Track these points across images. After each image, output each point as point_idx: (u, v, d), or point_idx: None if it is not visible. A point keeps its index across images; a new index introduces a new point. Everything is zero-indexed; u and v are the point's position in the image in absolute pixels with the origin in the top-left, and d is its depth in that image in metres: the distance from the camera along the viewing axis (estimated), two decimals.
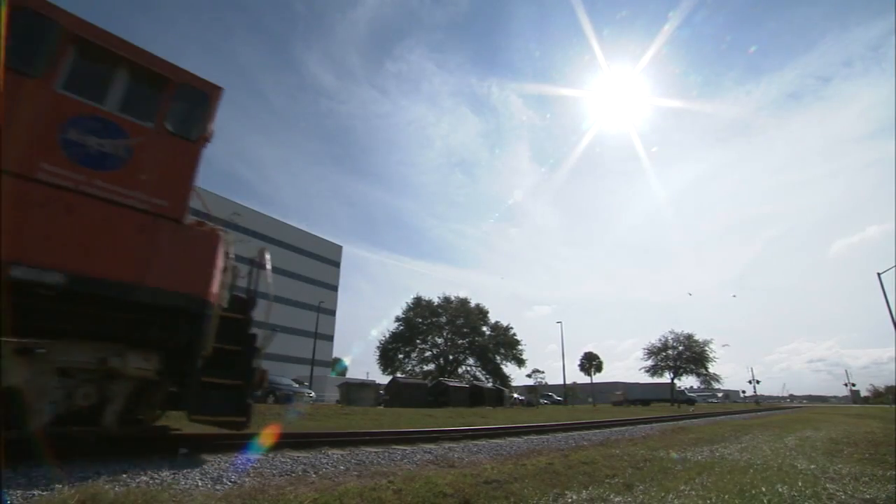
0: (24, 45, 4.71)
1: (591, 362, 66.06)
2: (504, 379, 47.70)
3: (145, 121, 5.37)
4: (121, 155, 5.13)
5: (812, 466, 5.87)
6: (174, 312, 5.05)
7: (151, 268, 4.98)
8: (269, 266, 6.53)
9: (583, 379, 70.64)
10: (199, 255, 5.41)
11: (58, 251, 4.48)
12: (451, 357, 48.34)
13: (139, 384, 5.05)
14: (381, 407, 23.44)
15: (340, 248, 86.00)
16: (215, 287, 5.44)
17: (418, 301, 49.76)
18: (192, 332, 5.14)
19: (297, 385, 26.83)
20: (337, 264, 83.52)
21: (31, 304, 4.42)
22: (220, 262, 5.59)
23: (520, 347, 50.62)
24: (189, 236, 5.39)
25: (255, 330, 6.02)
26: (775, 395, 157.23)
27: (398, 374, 41.53)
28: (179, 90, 5.76)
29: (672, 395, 58.27)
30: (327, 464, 5.01)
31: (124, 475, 3.80)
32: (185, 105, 5.79)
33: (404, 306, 49.63)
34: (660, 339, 62.63)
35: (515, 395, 43.39)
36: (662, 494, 4.04)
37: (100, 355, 4.79)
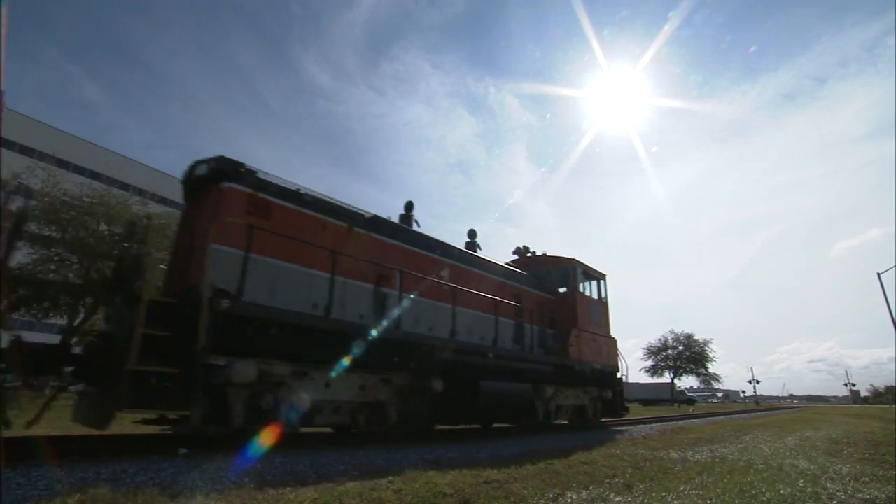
0: (585, 280, 12.69)
1: None
2: None
3: (598, 297, 13.05)
4: (597, 315, 12.66)
5: (812, 466, 5.87)
6: (610, 375, 12.68)
7: (610, 359, 12.70)
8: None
9: None
10: (614, 350, 13.09)
11: (596, 357, 11.87)
12: None
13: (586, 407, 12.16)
14: None
15: None
16: (619, 362, 13.18)
17: None
18: (615, 382, 12.91)
19: None
20: None
21: (583, 376, 11.39)
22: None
23: None
24: (611, 343, 13.07)
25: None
26: (775, 395, 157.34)
27: None
28: (600, 279, 13.19)
29: (672, 395, 58.21)
30: (327, 464, 5.01)
31: (124, 475, 3.79)
32: (603, 285, 13.34)
33: None
34: (660, 339, 62.55)
35: None
36: (662, 494, 4.04)
37: (595, 394, 12.35)
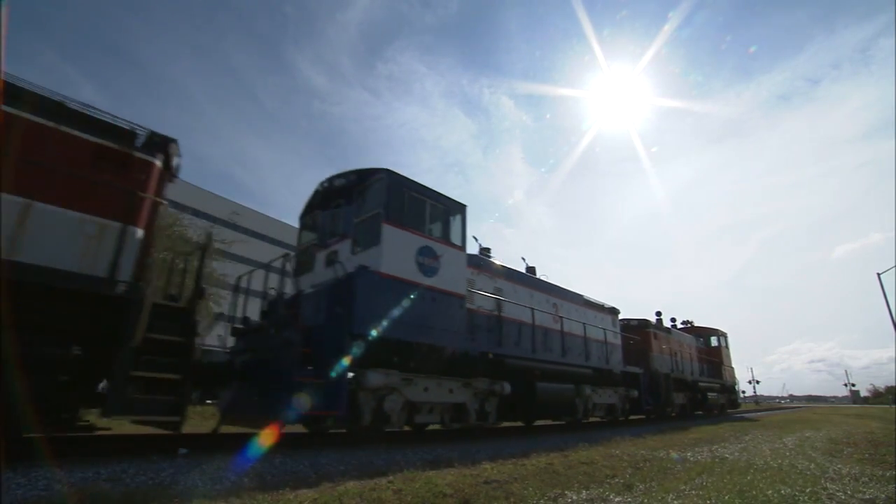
0: (721, 337, 26.09)
1: None
2: None
3: (726, 346, 25.97)
4: (728, 356, 25.74)
5: (812, 466, 5.87)
6: (734, 387, 26.68)
7: (733, 378, 26.83)
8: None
9: None
10: (734, 373, 26.99)
11: (728, 377, 25.50)
12: None
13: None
14: None
15: None
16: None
17: None
18: (735, 390, 27.42)
19: None
20: None
21: (727, 388, 25.67)
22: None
23: None
24: (733, 369, 27.04)
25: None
26: (775, 395, 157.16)
27: None
28: (727, 335, 26.09)
29: None
30: (326, 463, 5.00)
31: (124, 475, 3.79)
32: (728, 339, 26.15)
33: None
34: None
35: None
36: (662, 495, 4.04)
37: (728, 397, 25.63)
